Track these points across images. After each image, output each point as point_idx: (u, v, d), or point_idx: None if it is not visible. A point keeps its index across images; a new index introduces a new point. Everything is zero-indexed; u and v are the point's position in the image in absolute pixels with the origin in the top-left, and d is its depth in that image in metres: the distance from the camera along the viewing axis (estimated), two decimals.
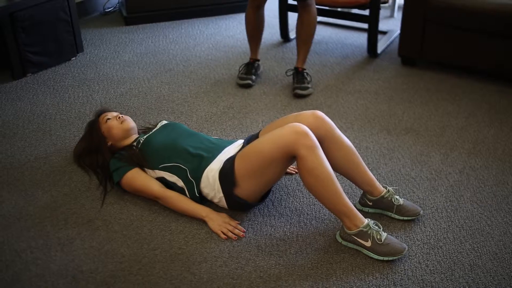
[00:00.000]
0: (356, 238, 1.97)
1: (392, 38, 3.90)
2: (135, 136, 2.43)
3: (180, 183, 2.19)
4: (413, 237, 2.07)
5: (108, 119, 2.40)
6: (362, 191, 2.22)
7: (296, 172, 2.44)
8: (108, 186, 2.32)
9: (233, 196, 2.08)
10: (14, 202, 2.26)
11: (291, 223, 2.15)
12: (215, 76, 3.37)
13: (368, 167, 2.20)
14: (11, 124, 2.83)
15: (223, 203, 2.13)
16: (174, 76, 3.36)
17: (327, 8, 3.79)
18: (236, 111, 2.96)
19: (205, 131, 2.76)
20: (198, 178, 2.14)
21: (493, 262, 1.96)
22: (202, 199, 2.18)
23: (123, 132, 2.38)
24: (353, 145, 2.17)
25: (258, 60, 3.35)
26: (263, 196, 2.19)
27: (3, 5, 3.12)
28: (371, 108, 3.00)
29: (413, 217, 2.14)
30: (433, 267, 1.94)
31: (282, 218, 2.18)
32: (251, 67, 3.28)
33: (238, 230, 2.08)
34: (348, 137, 2.20)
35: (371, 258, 1.96)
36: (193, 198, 2.17)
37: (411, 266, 1.94)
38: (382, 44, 3.74)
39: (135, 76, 3.36)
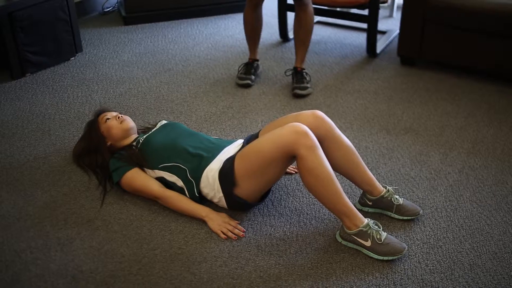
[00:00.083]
0: (356, 237, 1.97)
1: (391, 38, 3.91)
2: (134, 136, 2.43)
3: (179, 183, 2.19)
4: (413, 237, 2.07)
5: (108, 119, 2.40)
6: (361, 191, 2.22)
7: (296, 172, 2.44)
8: (108, 186, 2.32)
9: (232, 196, 2.08)
10: (14, 202, 2.26)
11: (291, 223, 2.15)
12: (214, 76, 3.37)
13: (368, 167, 2.20)
14: (10, 124, 2.82)
15: (223, 203, 2.13)
16: (173, 76, 3.36)
17: (326, 8, 3.79)
18: (236, 111, 2.96)
19: (204, 131, 2.76)
20: (197, 178, 2.14)
21: (493, 261, 1.96)
22: (201, 199, 2.18)
23: (122, 132, 2.38)
24: (353, 145, 2.17)
25: (257, 60, 3.35)
26: (263, 196, 2.19)
27: (2, 4, 3.12)
28: (370, 108, 3.00)
29: (412, 217, 2.14)
30: (432, 266, 1.94)
31: (282, 218, 2.18)
32: (250, 67, 3.28)
33: (238, 230, 2.08)
34: (347, 137, 2.20)
35: (371, 257, 1.96)
36: (192, 198, 2.17)
37: (411, 265, 1.94)
38: (381, 44, 3.75)
39: (134, 76, 3.36)
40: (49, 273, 1.91)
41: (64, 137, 2.71)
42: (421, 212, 2.16)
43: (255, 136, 2.22)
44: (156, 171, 2.24)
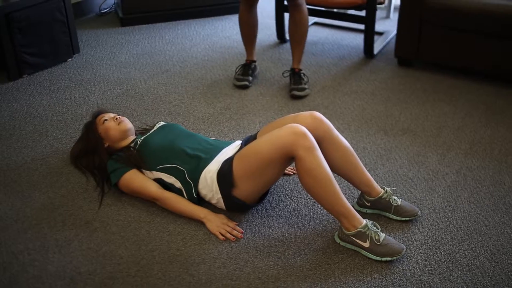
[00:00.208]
0: (354, 238, 1.97)
1: (388, 39, 3.91)
2: (132, 137, 2.42)
3: (178, 184, 2.18)
4: (411, 238, 2.07)
5: (105, 120, 2.40)
6: (360, 192, 2.22)
7: (294, 173, 2.44)
8: (106, 187, 2.31)
9: (231, 197, 2.08)
10: (11, 203, 2.25)
11: (289, 224, 2.15)
12: (211, 77, 3.37)
13: (366, 168, 2.20)
14: (7, 126, 2.81)
15: (221, 204, 2.13)
16: (170, 77, 3.36)
17: (323, 9, 3.79)
18: (233, 112, 2.96)
19: (202, 132, 2.76)
20: (196, 179, 2.13)
21: (491, 262, 1.96)
22: (200, 200, 2.18)
23: (120, 133, 2.38)
24: (351, 145, 2.17)
25: (255, 61, 3.35)
26: (261, 197, 2.19)
27: None
28: (368, 109, 3.00)
29: (411, 218, 2.15)
30: (431, 267, 1.94)
31: (280, 219, 2.18)
32: (247, 68, 3.28)
33: (236, 231, 2.08)
34: (345, 138, 2.20)
35: (370, 258, 1.96)
36: (191, 199, 2.16)
37: (409, 266, 1.94)
38: (378, 45, 3.75)
39: (131, 77, 3.35)
40: (47, 274, 1.90)
41: (61, 139, 2.70)
42: (419, 213, 2.16)
43: (253, 137, 2.22)
44: (154, 172, 2.23)
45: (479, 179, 2.41)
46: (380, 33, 3.96)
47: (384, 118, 2.91)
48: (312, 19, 4.24)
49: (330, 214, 2.12)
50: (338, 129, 2.73)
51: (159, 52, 3.71)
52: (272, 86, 3.27)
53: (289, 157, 1.97)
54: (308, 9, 3.16)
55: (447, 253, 2.00)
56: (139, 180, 2.22)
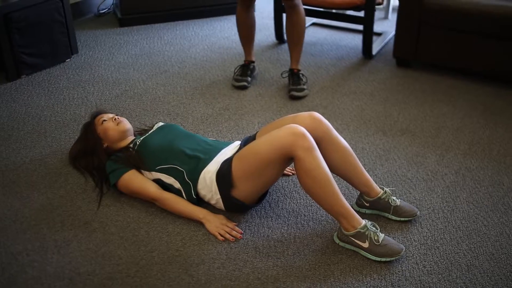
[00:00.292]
0: (353, 239, 1.97)
1: (387, 39, 3.92)
2: (131, 137, 2.42)
3: (177, 184, 2.18)
4: (410, 238, 2.08)
5: (104, 120, 2.39)
6: (359, 192, 2.22)
7: (293, 174, 2.44)
8: (104, 188, 2.31)
9: (230, 198, 2.07)
10: (10, 204, 2.25)
11: (288, 224, 2.15)
12: (210, 77, 3.37)
13: (365, 168, 2.20)
14: (6, 126, 2.81)
15: (220, 204, 2.13)
16: (169, 78, 3.36)
17: (322, 9, 3.79)
18: (232, 113, 2.96)
19: (201, 133, 2.76)
20: (195, 180, 2.13)
21: (490, 262, 1.97)
22: (199, 201, 2.17)
23: (119, 133, 2.38)
24: (350, 146, 2.18)
25: (253, 62, 3.35)
26: (260, 198, 2.19)
27: None
28: (366, 110, 3.00)
29: (410, 218, 2.15)
30: (430, 267, 1.94)
31: (279, 219, 2.17)
32: (246, 69, 3.28)
33: (236, 231, 2.08)
34: (344, 138, 2.20)
35: (369, 259, 1.96)
36: (190, 200, 2.16)
37: (408, 267, 1.94)
38: (377, 45, 3.76)
39: (130, 77, 3.35)
40: (46, 275, 1.90)
41: (60, 139, 2.70)
42: (418, 213, 2.16)
43: (252, 138, 2.22)
44: (153, 173, 2.23)
45: (478, 180, 2.42)
46: (379, 34, 3.96)
47: (382, 119, 2.91)
48: (310, 20, 4.25)
49: (329, 215, 2.12)
50: (337, 129, 2.74)
51: (157, 52, 3.71)
52: (271, 86, 3.27)
53: (288, 158, 1.97)
54: (307, 9, 3.17)
55: (446, 253, 2.01)
56: (138, 180, 2.22)
